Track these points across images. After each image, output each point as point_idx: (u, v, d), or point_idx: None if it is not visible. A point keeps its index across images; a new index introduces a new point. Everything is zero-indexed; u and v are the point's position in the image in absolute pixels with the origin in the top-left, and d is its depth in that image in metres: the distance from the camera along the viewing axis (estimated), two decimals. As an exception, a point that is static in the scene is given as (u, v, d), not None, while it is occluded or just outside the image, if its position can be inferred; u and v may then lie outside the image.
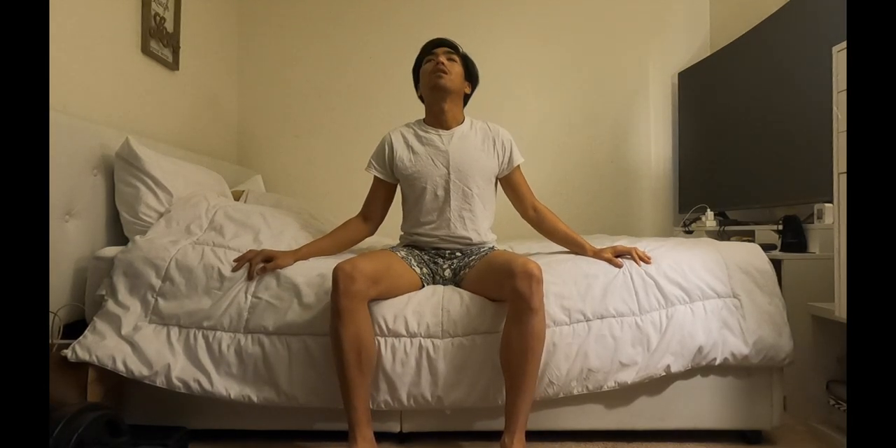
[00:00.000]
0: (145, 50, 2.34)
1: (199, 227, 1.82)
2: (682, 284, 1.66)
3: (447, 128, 1.82)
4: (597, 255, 1.72)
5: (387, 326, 1.57)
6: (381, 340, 1.56)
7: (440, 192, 1.77)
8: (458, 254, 1.79)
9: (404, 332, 1.57)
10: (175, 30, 2.58)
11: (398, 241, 1.91)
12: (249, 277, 1.62)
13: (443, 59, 1.76)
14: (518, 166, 1.85)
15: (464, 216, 1.78)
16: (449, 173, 1.77)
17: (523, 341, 1.44)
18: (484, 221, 1.82)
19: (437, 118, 1.82)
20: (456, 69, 1.78)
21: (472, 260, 1.74)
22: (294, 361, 1.57)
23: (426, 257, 1.78)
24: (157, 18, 2.43)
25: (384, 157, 1.82)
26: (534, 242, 2.15)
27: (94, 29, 2.03)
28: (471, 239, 1.79)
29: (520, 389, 1.46)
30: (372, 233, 1.86)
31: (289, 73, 3.45)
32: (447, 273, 1.77)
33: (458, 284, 1.73)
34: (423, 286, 1.70)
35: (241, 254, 1.70)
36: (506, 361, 1.48)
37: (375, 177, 1.84)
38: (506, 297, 1.49)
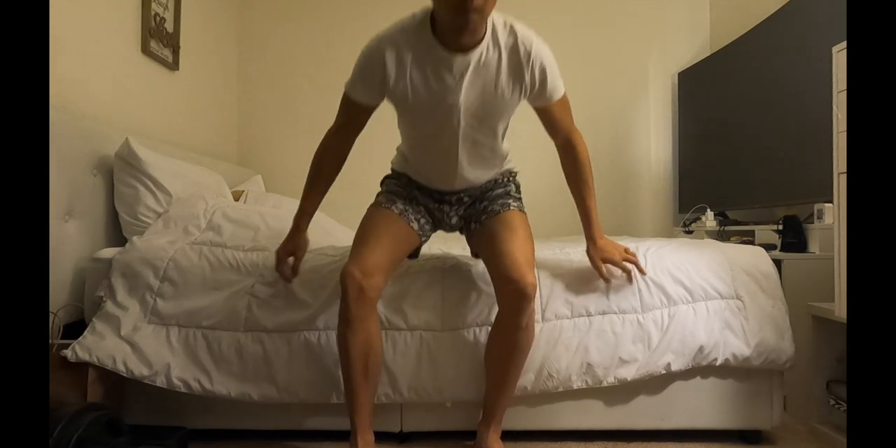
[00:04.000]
0: (145, 50, 2.34)
1: (196, 228, 1.82)
2: (685, 284, 1.66)
3: (464, 50, 1.31)
4: (592, 255, 1.57)
5: (386, 319, 1.58)
6: (382, 333, 1.57)
7: (445, 142, 1.43)
8: (466, 198, 1.58)
9: (404, 326, 1.58)
10: (175, 30, 2.58)
11: (392, 162, 1.65)
12: (288, 279, 1.59)
13: None
14: (560, 98, 1.47)
15: (474, 161, 1.49)
16: (459, 121, 1.39)
17: (507, 353, 1.44)
18: (498, 155, 1.55)
19: (452, 38, 1.30)
20: None
21: (483, 208, 1.54)
22: (294, 358, 1.57)
23: (431, 204, 1.57)
24: (157, 18, 2.43)
25: (374, 80, 1.37)
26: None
27: (94, 29, 2.03)
28: (482, 181, 1.57)
29: (500, 389, 1.48)
30: (350, 148, 1.55)
31: (289, 73, 3.45)
32: (454, 220, 1.59)
33: (463, 232, 1.62)
34: (422, 241, 1.58)
35: (239, 252, 1.70)
36: (489, 362, 1.49)
37: (355, 98, 1.43)
38: (496, 297, 1.44)
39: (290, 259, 1.58)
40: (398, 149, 1.62)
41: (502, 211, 1.52)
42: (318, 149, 1.53)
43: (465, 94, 1.35)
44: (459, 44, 1.30)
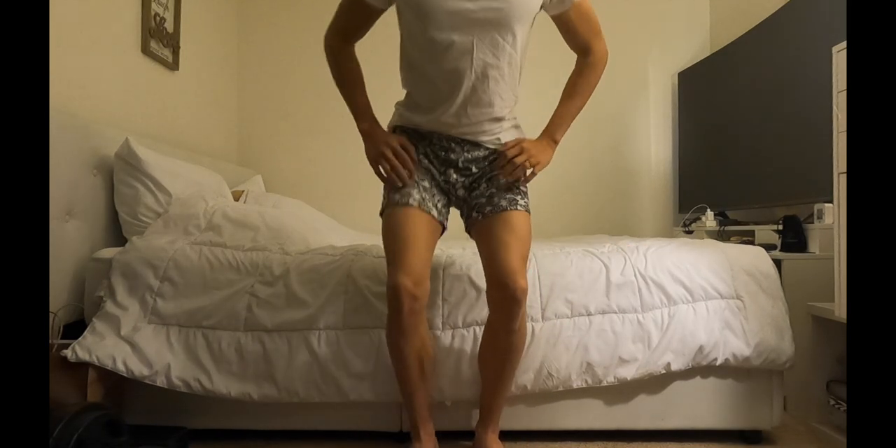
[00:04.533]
0: (145, 50, 2.34)
1: (196, 228, 1.82)
2: (685, 284, 1.66)
3: None
4: (523, 143, 1.45)
5: (380, 320, 1.57)
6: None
7: (458, 38, 1.31)
8: (474, 168, 1.47)
9: None
10: (175, 30, 2.58)
11: (391, 121, 1.54)
12: (409, 175, 1.42)
13: None
14: (580, 4, 1.41)
15: (488, 75, 1.36)
16: (478, 11, 1.31)
17: (500, 355, 1.43)
18: (511, 88, 1.43)
19: None
20: None
21: (489, 197, 1.44)
22: (294, 357, 1.57)
23: (437, 173, 1.47)
24: (157, 18, 2.43)
25: None
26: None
27: (94, 29, 2.03)
28: (488, 119, 1.43)
29: (496, 390, 1.47)
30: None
31: (289, 73, 3.45)
32: (460, 192, 1.49)
33: (464, 214, 1.52)
34: (444, 227, 1.49)
35: (239, 252, 1.70)
36: (483, 364, 1.49)
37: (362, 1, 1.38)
38: (487, 298, 1.41)
39: (390, 152, 1.41)
40: (396, 105, 1.54)
41: (508, 209, 1.43)
42: (327, 53, 1.49)
43: None
44: None
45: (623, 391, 1.64)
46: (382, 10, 1.42)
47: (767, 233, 2.38)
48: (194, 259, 1.67)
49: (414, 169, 1.42)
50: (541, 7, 1.38)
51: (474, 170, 1.47)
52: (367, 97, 1.49)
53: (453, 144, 1.46)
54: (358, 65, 1.49)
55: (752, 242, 2.38)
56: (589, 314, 1.61)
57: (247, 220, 1.89)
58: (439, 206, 1.46)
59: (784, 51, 2.46)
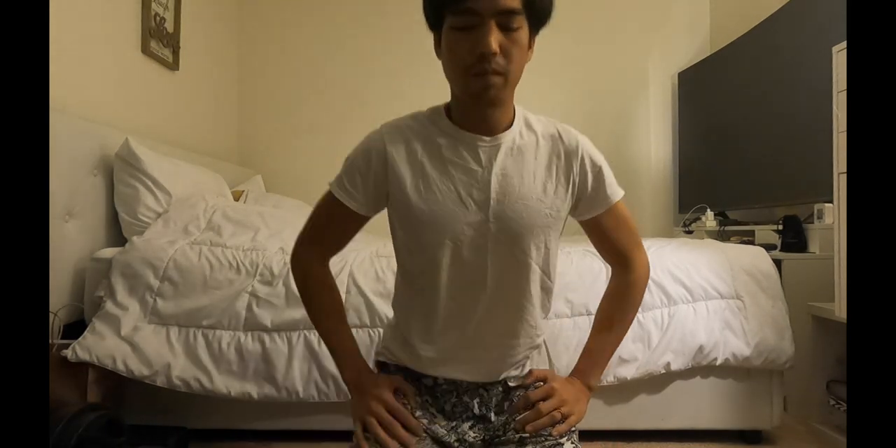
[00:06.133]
0: (145, 50, 2.34)
1: (196, 228, 1.82)
2: (685, 283, 1.66)
3: (489, 133, 0.97)
4: (552, 382, 1.03)
5: (379, 319, 1.57)
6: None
7: (468, 254, 0.96)
8: (492, 416, 1.01)
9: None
10: (175, 30, 2.58)
11: (378, 353, 1.10)
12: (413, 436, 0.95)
13: (494, 45, 0.85)
14: (616, 203, 1.04)
15: (508, 301, 0.99)
16: (489, 221, 0.95)
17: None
18: (540, 315, 1.04)
19: (474, 118, 0.97)
20: (518, 49, 0.90)
21: (520, 442, 0.96)
22: (294, 356, 1.57)
23: (445, 433, 0.99)
24: (157, 18, 2.43)
25: (368, 175, 0.99)
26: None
27: (94, 29, 2.03)
28: (506, 353, 1.01)
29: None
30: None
31: (289, 73, 3.45)
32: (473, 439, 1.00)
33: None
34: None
35: (239, 252, 1.70)
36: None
37: (340, 202, 1.01)
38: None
39: (383, 410, 0.96)
40: (388, 326, 1.12)
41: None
42: (295, 272, 1.11)
43: (497, 186, 0.95)
44: (485, 125, 0.96)
45: (623, 391, 1.64)
46: (363, 218, 1.04)
47: (767, 233, 2.38)
48: (194, 259, 1.67)
49: (417, 426, 0.96)
50: (569, 199, 1.01)
51: (494, 419, 1.01)
52: (350, 334, 1.08)
53: (462, 399, 1.03)
54: (337, 291, 1.11)
55: (752, 242, 2.38)
56: (589, 314, 1.61)
57: (247, 220, 1.89)
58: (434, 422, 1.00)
59: (784, 51, 2.46)
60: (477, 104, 0.94)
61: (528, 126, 1.01)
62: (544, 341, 1.11)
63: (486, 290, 0.97)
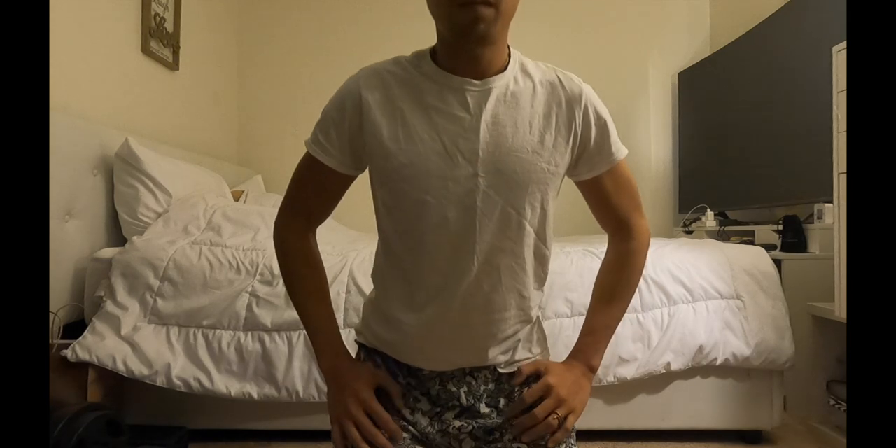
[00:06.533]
0: (145, 50, 2.34)
1: (196, 228, 1.82)
2: (685, 283, 1.66)
3: (479, 77, 0.85)
4: (549, 373, 0.95)
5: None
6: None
7: (455, 214, 0.84)
8: (485, 408, 0.92)
9: None
10: (175, 30, 2.58)
11: (359, 332, 1.00)
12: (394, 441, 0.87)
13: None
14: (619, 162, 0.95)
15: (501, 267, 0.87)
16: (478, 175, 0.84)
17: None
18: (533, 286, 0.93)
19: (462, 58, 0.85)
20: None
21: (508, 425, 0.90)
22: (295, 356, 1.57)
23: (427, 425, 0.91)
24: (157, 18, 2.43)
25: (342, 127, 0.88)
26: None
27: (94, 29, 2.03)
28: (500, 335, 0.91)
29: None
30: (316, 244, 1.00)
31: (289, 73, 3.45)
32: (467, 446, 0.92)
33: None
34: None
35: (239, 252, 1.70)
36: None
37: (318, 160, 0.91)
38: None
39: (362, 415, 0.88)
40: (367, 301, 1.01)
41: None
42: (276, 247, 0.99)
43: (487, 135, 0.84)
44: (474, 67, 0.85)
45: (623, 391, 1.64)
46: (345, 176, 0.93)
47: (767, 233, 2.38)
48: (194, 259, 1.67)
49: (398, 432, 0.88)
50: (570, 155, 0.90)
51: (485, 409, 0.92)
52: (331, 315, 0.97)
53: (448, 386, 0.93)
54: (321, 268, 0.98)
55: (752, 242, 2.38)
56: (589, 314, 1.61)
57: (247, 220, 1.89)
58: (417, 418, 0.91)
59: (784, 51, 2.46)
60: (465, 41, 0.83)
61: (525, 71, 0.90)
62: (539, 318, 1.01)
63: (475, 254, 0.85)
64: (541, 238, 0.91)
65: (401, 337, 0.91)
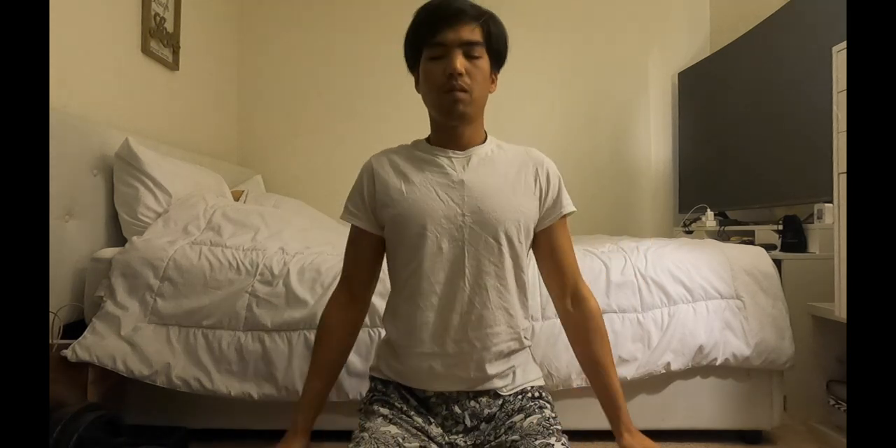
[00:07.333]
0: (145, 50, 2.34)
1: (196, 228, 1.82)
2: (685, 283, 1.66)
3: (462, 149, 1.15)
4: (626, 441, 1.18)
5: (378, 318, 1.57)
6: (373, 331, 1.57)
7: (447, 244, 1.09)
8: (483, 425, 1.11)
9: None
10: (175, 30, 2.58)
11: (373, 368, 1.21)
12: None
13: (459, 66, 1.05)
14: (565, 217, 1.19)
15: (488, 288, 1.10)
16: (463, 214, 1.09)
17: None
18: (520, 308, 1.15)
19: (448, 139, 1.15)
20: (481, 73, 1.09)
21: (512, 445, 1.03)
22: (295, 356, 1.57)
23: (431, 440, 1.09)
24: (157, 18, 2.43)
25: (363, 193, 1.16)
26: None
27: (94, 29, 2.03)
28: (494, 348, 1.11)
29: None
30: (364, 313, 1.25)
31: (289, 73, 3.45)
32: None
33: None
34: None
35: (239, 252, 1.70)
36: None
37: (354, 226, 1.18)
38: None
39: None
40: (380, 343, 1.24)
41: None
42: (321, 323, 1.22)
43: (471, 182, 1.11)
44: (458, 142, 1.14)
45: (623, 391, 1.64)
46: (376, 236, 1.17)
47: (767, 233, 2.38)
48: (194, 259, 1.67)
49: None
50: (537, 201, 1.16)
51: (483, 426, 1.11)
52: (320, 394, 1.19)
53: (452, 406, 1.12)
54: (345, 341, 1.21)
55: (752, 242, 2.38)
56: (589, 314, 1.61)
57: (247, 220, 1.89)
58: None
59: (784, 51, 2.46)
60: (449, 119, 1.11)
61: (499, 146, 1.20)
62: (530, 351, 1.21)
63: (465, 276, 1.09)
64: (518, 266, 1.13)
65: (411, 360, 1.12)
